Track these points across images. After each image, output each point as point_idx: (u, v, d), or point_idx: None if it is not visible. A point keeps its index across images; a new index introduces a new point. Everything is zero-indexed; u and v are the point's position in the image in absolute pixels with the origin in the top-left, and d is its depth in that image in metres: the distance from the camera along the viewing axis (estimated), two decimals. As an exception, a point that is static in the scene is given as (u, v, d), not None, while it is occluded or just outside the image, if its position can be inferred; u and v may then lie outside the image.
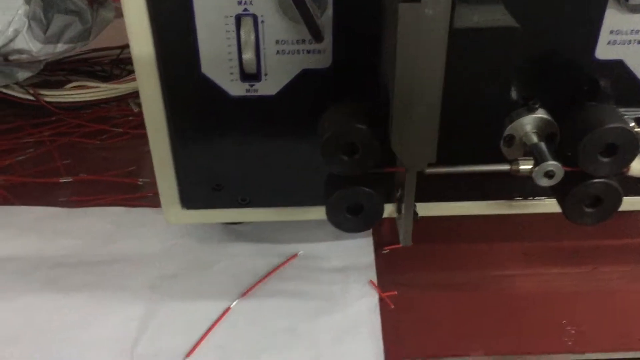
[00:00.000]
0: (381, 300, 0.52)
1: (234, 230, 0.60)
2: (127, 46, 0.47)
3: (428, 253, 0.57)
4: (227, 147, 0.50)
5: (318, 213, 0.53)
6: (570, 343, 0.48)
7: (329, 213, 0.46)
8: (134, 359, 0.48)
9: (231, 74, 0.46)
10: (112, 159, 0.71)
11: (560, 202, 0.46)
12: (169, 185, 0.52)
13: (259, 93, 0.47)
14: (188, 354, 0.48)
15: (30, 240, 0.59)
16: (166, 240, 0.59)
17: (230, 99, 0.47)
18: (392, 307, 0.51)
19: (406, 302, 0.52)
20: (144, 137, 0.75)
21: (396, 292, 0.52)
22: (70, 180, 0.67)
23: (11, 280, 0.54)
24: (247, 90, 0.47)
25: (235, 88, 0.46)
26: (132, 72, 0.82)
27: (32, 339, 0.49)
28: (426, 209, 0.52)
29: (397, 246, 0.57)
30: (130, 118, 0.78)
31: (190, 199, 0.53)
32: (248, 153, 0.50)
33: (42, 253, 0.57)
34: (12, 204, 0.64)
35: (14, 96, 0.77)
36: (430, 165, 0.42)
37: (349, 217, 0.46)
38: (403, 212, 0.46)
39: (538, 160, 0.44)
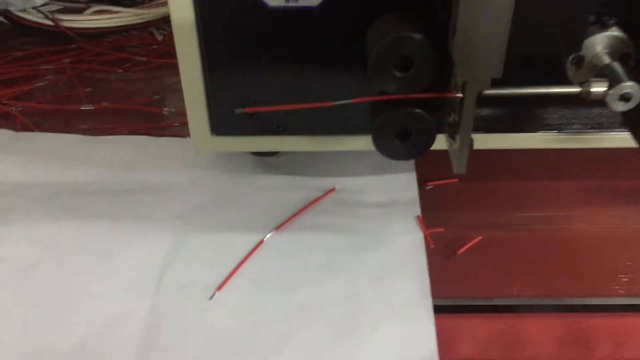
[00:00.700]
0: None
1: (265, 162, 0.56)
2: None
3: (475, 190, 0.53)
4: (263, 67, 0.45)
5: (358, 143, 0.49)
6: (623, 288, 0.44)
7: (375, 138, 0.42)
8: (160, 291, 0.44)
9: (270, -21, 0.41)
10: (134, 89, 0.67)
11: (634, 131, 0.42)
12: (198, 109, 0.48)
13: (300, 4, 0.42)
14: (219, 288, 0.44)
15: (50, 168, 0.55)
16: (193, 171, 0.55)
17: (267, 10, 0.43)
18: (433, 246, 0.47)
19: (451, 241, 0.48)
20: (168, 68, 0.71)
21: (442, 229, 0.48)
22: (92, 108, 0.63)
23: (30, 206, 0.51)
24: (287, 1, 0.42)
25: (274, -3, 0.42)
26: (156, -2, 0.77)
27: (52, 268, 0.46)
28: (477, 141, 0.47)
29: (441, 182, 0.53)
30: (154, 47, 0.74)
31: (220, 125, 0.49)
32: (285, 74, 0.46)
33: (62, 180, 0.54)
34: (32, 130, 0.60)
35: (32, 21, 0.73)
36: (492, 84, 0.37)
37: (398, 143, 0.42)
38: (459, 136, 0.41)
39: (613, 82, 0.39)
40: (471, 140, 0.42)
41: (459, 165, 0.42)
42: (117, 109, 0.63)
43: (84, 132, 0.59)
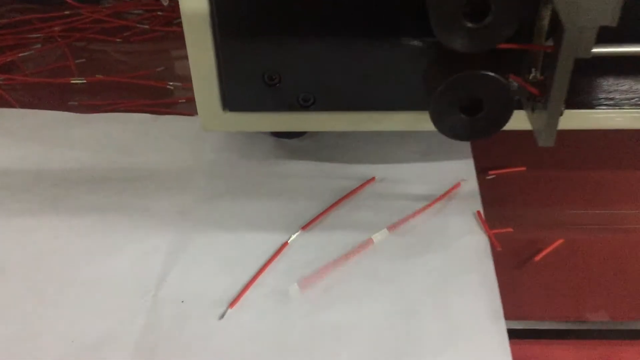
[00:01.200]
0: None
1: (288, 146, 0.47)
2: None
3: (549, 181, 0.43)
4: (286, 25, 0.36)
5: (405, 121, 0.39)
6: None
7: (435, 111, 0.33)
8: (156, 304, 0.35)
9: None
10: (135, 61, 0.58)
11: None
12: (207, 79, 0.39)
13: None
14: (232, 304, 0.35)
15: (31, 150, 0.47)
16: (201, 155, 0.46)
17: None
18: (499, 249, 0.38)
19: (523, 245, 0.38)
20: (175, 38, 0.62)
21: (511, 229, 0.39)
22: (84, 81, 0.54)
23: (3, 197, 0.42)
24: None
25: None
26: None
27: (24, 274, 0.37)
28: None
29: (506, 170, 0.43)
30: (159, 13, 0.64)
31: (234, 98, 0.39)
32: (313, 34, 0.36)
33: (44, 165, 0.45)
34: (12, 107, 0.51)
35: (20, -16, 0.64)
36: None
37: (464, 118, 0.32)
38: (549, 99, 0.31)
39: None
40: (563, 105, 0.32)
41: (546, 136, 0.32)
42: (113, 83, 0.54)
43: (73, 109, 0.51)
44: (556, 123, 0.32)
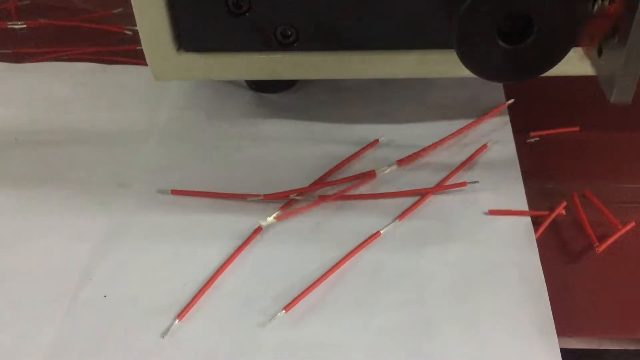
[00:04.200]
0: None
1: (267, 101, 0.37)
2: None
3: (611, 147, 0.33)
4: None
5: (416, 64, 0.30)
6: None
7: (459, 37, 0.23)
8: (75, 309, 0.26)
9: None
10: (89, 3, 0.48)
11: None
12: (154, 7, 0.28)
13: None
14: (180, 315, 0.25)
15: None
16: (159, 112, 0.36)
17: None
18: (546, 236, 0.28)
19: (579, 229, 0.28)
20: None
21: (564, 211, 0.29)
22: (23, 26, 0.45)
23: None
24: None
25: None
26: None
27: None
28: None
29: (554, 131, 0.33)
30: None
31: (191, 34, 0.31)
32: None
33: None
34: None
35: None
36: None
37: (502, 46, 0.22)
38: (628, 40, 0.21)
39: None
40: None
41: (622, 90, 0.22)
42: (58, 28, 0.45)
43: (6, 57, 0.41)
44: (637, 72, 0.22)
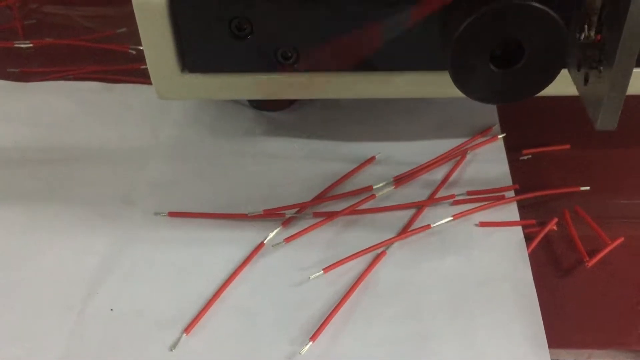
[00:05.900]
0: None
1: (268, 119, 0.38)
2: None
3: (599, 162, 0.34)
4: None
5: (413, 85, 0.31)
6: None
7: (454, 62, 0.24)
8: (82, 323, 0.26)
9: None
10: (94, 23, 0.49)
11: None
12: (159, 30, 0.30)
13: None
14: (187, 328, 0.26)
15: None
16: (160, 130, 0.37)
17: None
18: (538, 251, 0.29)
19: (570, 244, 0.29)
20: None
21: (555, 226, 0.30)
22: (30, 45, 0.45)
23: None
24: None
25: None
26: None
27: None
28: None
29: (545, 149, 0.34)
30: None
31: (195, 56, 0.31)
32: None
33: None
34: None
35: None
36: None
37: (494, 70, 0.23)
38: (616, 62, 0.22)
39: None
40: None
41: (605, 117, 0.24)
42: (65, 47, 0.46)
43: (12, 76, 0.42)
44: (622, 97, 0.23)
